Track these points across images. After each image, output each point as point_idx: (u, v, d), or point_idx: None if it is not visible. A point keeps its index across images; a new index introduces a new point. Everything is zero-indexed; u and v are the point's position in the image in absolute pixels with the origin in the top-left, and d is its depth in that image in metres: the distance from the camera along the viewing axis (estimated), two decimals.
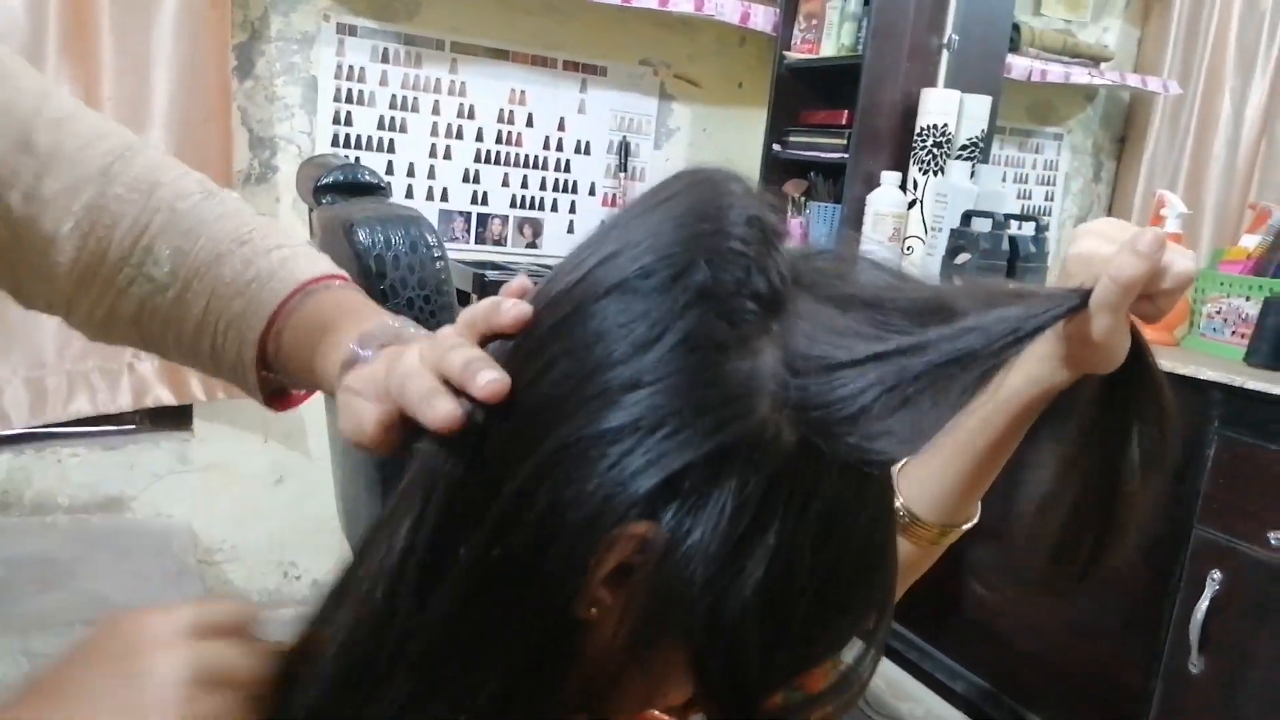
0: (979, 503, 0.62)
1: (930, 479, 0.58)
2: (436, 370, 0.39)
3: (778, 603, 0.36)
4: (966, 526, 0.61)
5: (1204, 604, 1.33)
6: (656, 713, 0.47)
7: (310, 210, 1.44)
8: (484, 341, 0.39)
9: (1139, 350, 0.47)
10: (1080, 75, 2.57)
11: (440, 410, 0.37)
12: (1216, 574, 1.33)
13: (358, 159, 2.11)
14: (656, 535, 0.34)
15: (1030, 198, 2.92)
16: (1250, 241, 1.58)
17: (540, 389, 0.36)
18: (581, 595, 0.35)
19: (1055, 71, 2.51)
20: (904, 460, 0.57)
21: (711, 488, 0.34)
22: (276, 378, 0.58)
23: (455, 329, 0.40)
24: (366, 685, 0.37)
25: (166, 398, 1.94)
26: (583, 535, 0.34)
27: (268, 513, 2.14)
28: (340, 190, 1.28)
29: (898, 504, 0.57)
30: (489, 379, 0.36)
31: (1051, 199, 2.96)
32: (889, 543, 0.40)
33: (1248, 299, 1.48)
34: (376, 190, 1.30)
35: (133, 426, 2.01)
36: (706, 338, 0.34)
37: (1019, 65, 2.44)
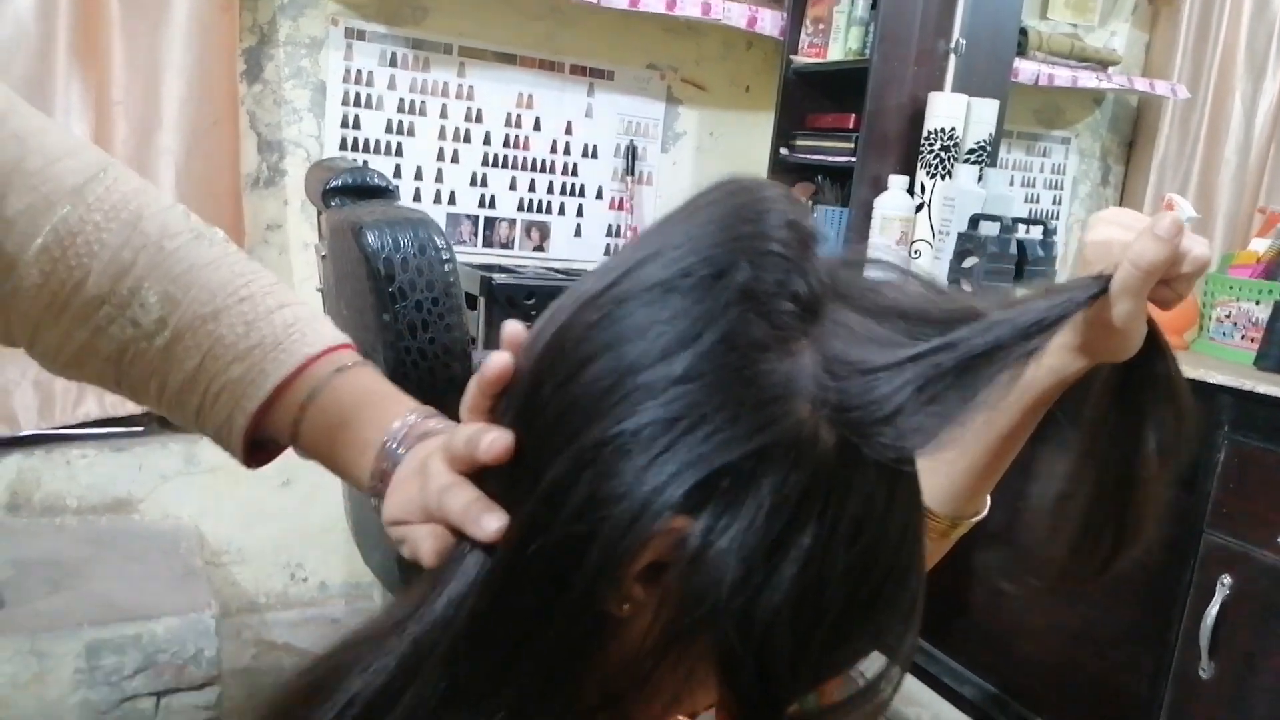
0: (989, 496, 0.62)
1: (941, 471, 0.58)
2: (438, 513, 0.40)
3: (810, 605, 0.36)
4: (976, 519, 0.62)
5: (1214, 609, 1.32)
6: (682, 718, 0.47)
7: (319, 213, 1.45)
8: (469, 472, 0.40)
9: (1154, 337, 0.48)
10: (1088, 79, 2.57)
11: (490, 527, 0.38)
12: (1227, 579, 1.32)
13: (366, 162, 2.12)
14: (693, 532, 0.34)
15: (1038, 201, 2.92)
16: (1260, 245, 1.58)
17: (576, 385, 0.36)
18: (615, 591, 0.36)
19: (1063, 75, 2.51)
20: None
21: (749, 486, 0.34)
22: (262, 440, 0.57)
23: (442, 461, 0.42)
24: (398, 684, 0.37)
25: None
26: (620, 531, 0.34)
27: (275, 514, 2.15)
28: (349, 193, 1.28)
29: None
30: (487, 523, 0.38)
31: (1059, 203, 2.95)
32: (919, 548, 0.40)
33: (1258, 303, 1.48)
34: (385, 193, 1.30)
35: (141, 429, 2.01)
36: (746, 337, 0.35)
37: (1026, 69, 2.44)
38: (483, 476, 0.40)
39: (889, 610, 0.39)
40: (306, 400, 0.54)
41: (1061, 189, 2.94)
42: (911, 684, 2.17)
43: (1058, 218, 2.93)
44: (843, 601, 0.37)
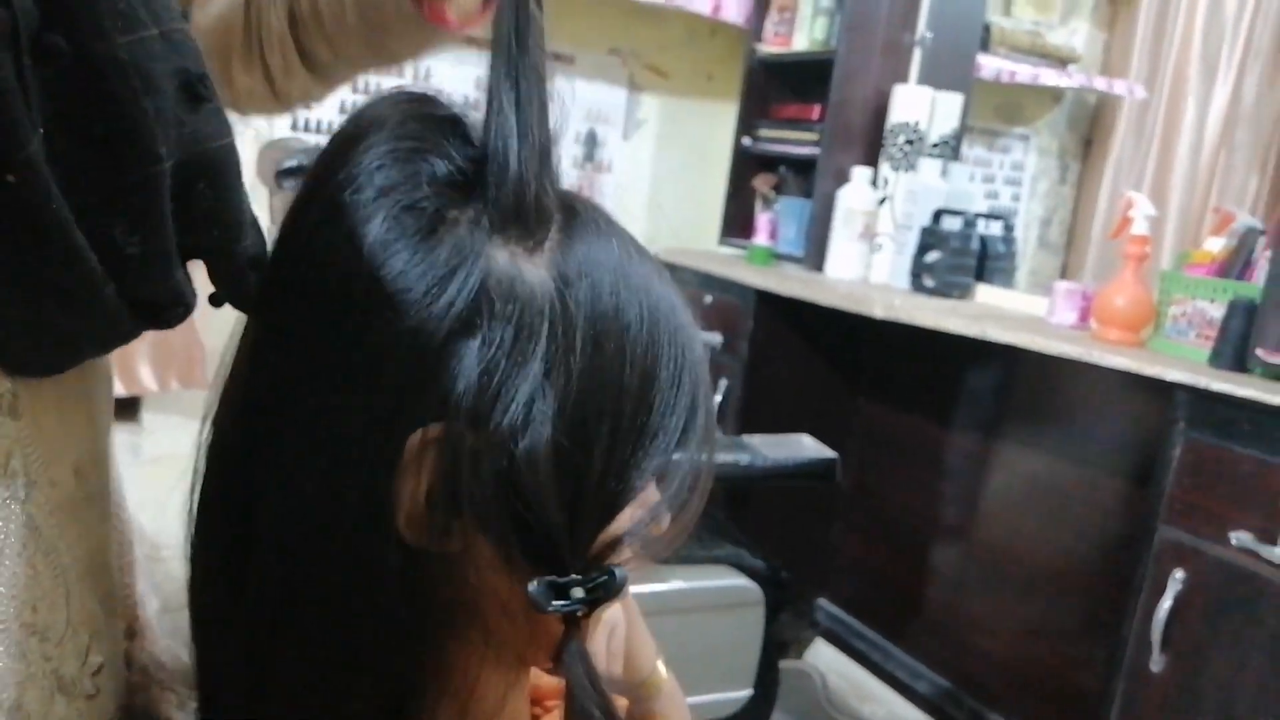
0: None
1: None
2: None
3: (578, 432, 0.35)
4: None
5: (1166, 603, 1.33)
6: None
7: (270, 194, 1.39)
8: None
9: None
10: (1049, 76, 2.58)
11: None
12: (1179, 574, 1.34)
13: (318, 144, 2.06)
14: (446, 431, 0.34)
15: (997, 198, 2.94)
16: (1215, 245, 1.59)
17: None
18: (398, 517, 0.34)
19: (1024, 72, 2.52)
20: None
21: (464, 354, 0.34)
22: None
23: None
24: (212, 670, 0.38)
25: (116, 389, 1.87)
26: (374, 450, 0.34)
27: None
28: (303, 174, 1.23)
29: None
30: None
31: (1018, 199, 2.97)
32: (679, 348, 0.39)
33: (1212, 301, 1.49)
34: None
35: None
36: (402, 231, 0.35)
37: (989, 65, 2.44)
38: None
39: (664, 416, 0.38)
40: None
41: (1021, 185, 2.96)
42: (867, 679, 2.17)
43: (1017, 215, 2.95)
44: (610, 419, 0.36)
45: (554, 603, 0.35)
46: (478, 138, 0.37)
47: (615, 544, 0.37)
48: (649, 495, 0.38)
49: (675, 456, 0.38)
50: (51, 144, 0.36)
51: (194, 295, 0.47)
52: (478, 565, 0.36)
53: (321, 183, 0.37)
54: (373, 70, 0.68)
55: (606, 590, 0.36)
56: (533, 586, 0.35)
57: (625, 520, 0.38)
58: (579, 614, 0.36)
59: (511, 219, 0.36)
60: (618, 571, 0.37)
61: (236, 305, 0.40)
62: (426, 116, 0.37)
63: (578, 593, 0.36)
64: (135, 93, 0.39)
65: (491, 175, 0.36)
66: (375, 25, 0.61)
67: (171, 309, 0.45)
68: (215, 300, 0.50)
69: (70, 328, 0.40)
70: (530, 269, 0.36)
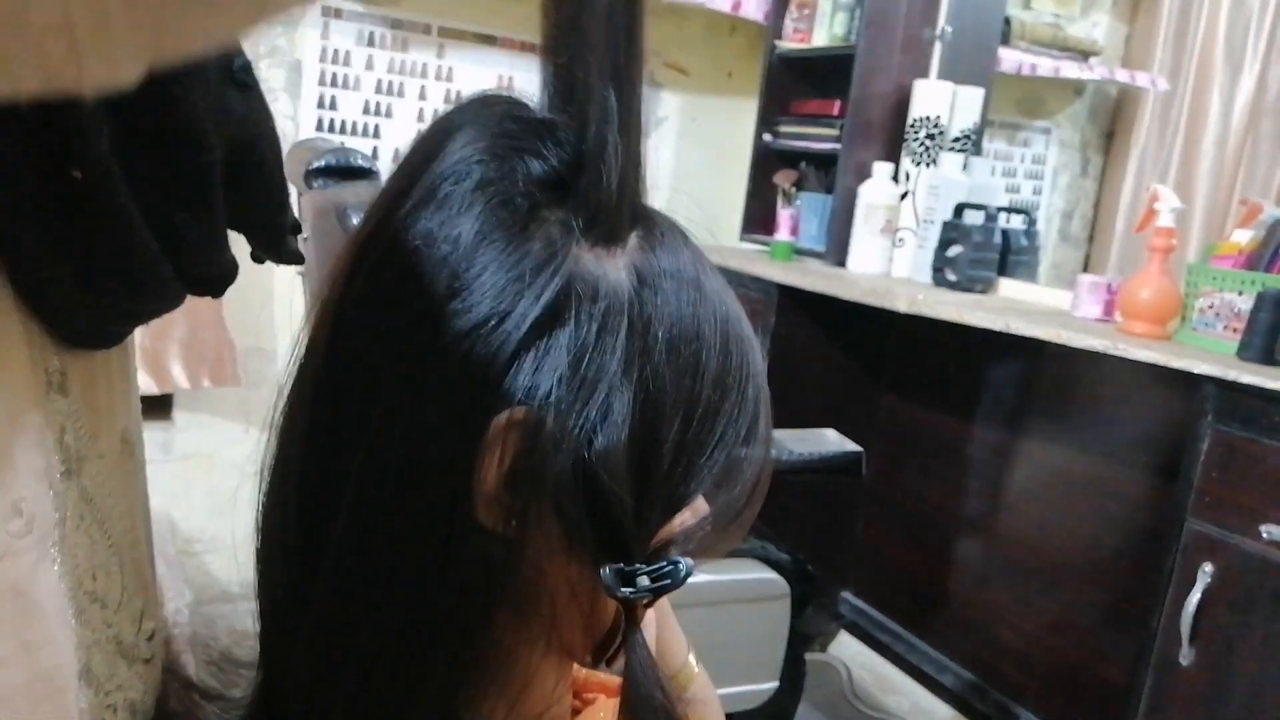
0: None
1: None
2: None
3: (648, 431, 0.37)
4: None
5: (1195, 596, 1.33)
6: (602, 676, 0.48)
7: (299, 194, 1.41)
8: None
9: None
10: (1070, 69, 2.57)
11: None
12: (1208, 567, 1.33)
13: (343, 144, 2.08)
14: (530, 415, 0.35)
15: (1018, 191, 2.93)
16: (1242, 236, 1.58)
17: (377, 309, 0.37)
18: (475, 499, 0.35)
19: (1045, 65, 2.51)
20: None
21: (554, 347, 0.35)
22: None
23: None
24: (281, 648, 0.38)
25: (147, 386, 1.90)
26: (459, 429, 0.35)
27: (247, 502, 2.11)
28: (332, 174, 1.25)
29: None
30: None
31: (1039, 193, 2.96)
32: (745, 358, 0.40)
33: (1240, 294, 1.48)
34: (368, 174, 1.27)
35: None
36: (498, 223, 0.36)
37: (1009, 58, 2.44)
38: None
39: (730, 421, 0.39)
40: None
41: (1042, 179, 2.95)
42: (891, 672, 2.18)
43: (1038, 208, 2.94)
44: (680, 419, 0.37)
45: (623, 589, 0.37)
46: (570, 142, 0.38)
47: (676, 539, 0.39)
48: (710, 496, 0.40)
49: (738, 458, 0.39)
50: (113, 141, 0.38)
51: (237, 266, 0.50)
52: (546, 551, 0.37)
53: (418, 172, 0.38)
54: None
55: (673, 579, 0.38)
56: (604, 572, 0.36)
57: (687, 517, 0.39)
58: (644, 601, 0.38)
59: (599, 223, 0.37)
60: (683, 562, 0.38)
61: (279, 262, 0.42)
62: (522, 118, 0.39)
63: (644, 581, 0.37)
64: (185, 88, 0.41)
65: (587, 181, 0.37)
66: None
67: (219, 280, 0.47)
68: (257, 259, 0.52)
69: (128, 304, 0.42)
70: (613, 271, 0.37)
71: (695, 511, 0.40)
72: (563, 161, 0.38)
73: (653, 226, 0.40)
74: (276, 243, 0.52)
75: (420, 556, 0.36)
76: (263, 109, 0.49)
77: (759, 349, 0.42)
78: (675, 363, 0.37)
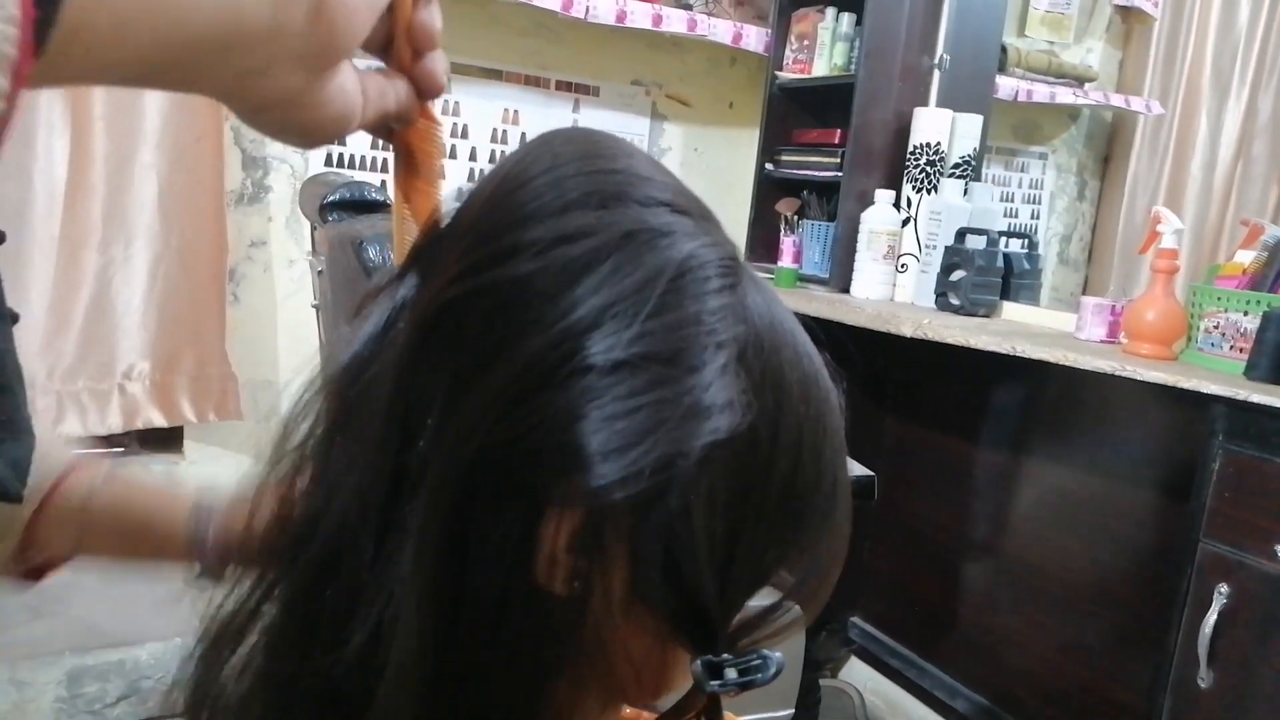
0: None
1: None
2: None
3: (734, 496, 0.35)
4: None
5: (1212, 618, 1.33)
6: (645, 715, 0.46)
7: (314, 228, 1.43)
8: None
9: None
10: (1065, 95, 2.61)
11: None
12: (1224, 587, 1.33)
13: (354, 179, 2.10)
14: (607, 495, 0.32)
15: (1016, 216, 2.95)
16: (1245, 257, 1.60)
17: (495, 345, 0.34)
18: (541, 560, 0.33)
19: (1041, 91, 2.55)
20: None
21: (690, 467, 0.33)
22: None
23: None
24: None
25: (157, 419, 1.90)
26: (530, 494, 0.33)
27: None
28: (346, 207, 1.26)
29: None
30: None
31: (1037, 218, 2.99)
32: (827, 446, 0.38)
33: (1246, 314, 1.50)
34: (382, 207, 1.28)
35: (122, 449, 1.97)
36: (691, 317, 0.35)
37: (1006, 85, 2.47)
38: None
39: (812, 515, 0.38)
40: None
41: (1039, 204, 2.98)
42: (903, 697, 2.16)
43: (1036, 233, 2.96)
44: (773, 515, 0.36)
45: (711, 682, 0.35)
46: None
47: (759, 620, 0.37)
48: (794, 567, 0.38)
49: (828, 527, 0.38)
50: None
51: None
52: (612, 614, 0.35)
53: (503, 211, 0.37)
54: None
55: (761, 674, 0.36)
56: (694, 665, 0.35)
57: (765, 596, 0.37)
58: (730, 693, 0.36)
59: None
60: (772, 656, 0.36)
61: None
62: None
63: (731, 674, 0.35)
64: None
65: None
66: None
67: None
68: None
69: None
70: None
71: (781, 583, 0.38)
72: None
73: (742, 272, 0.38)
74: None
75: (475, 614, 0.34)
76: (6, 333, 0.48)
77: (836, 399, 0.39)
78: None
